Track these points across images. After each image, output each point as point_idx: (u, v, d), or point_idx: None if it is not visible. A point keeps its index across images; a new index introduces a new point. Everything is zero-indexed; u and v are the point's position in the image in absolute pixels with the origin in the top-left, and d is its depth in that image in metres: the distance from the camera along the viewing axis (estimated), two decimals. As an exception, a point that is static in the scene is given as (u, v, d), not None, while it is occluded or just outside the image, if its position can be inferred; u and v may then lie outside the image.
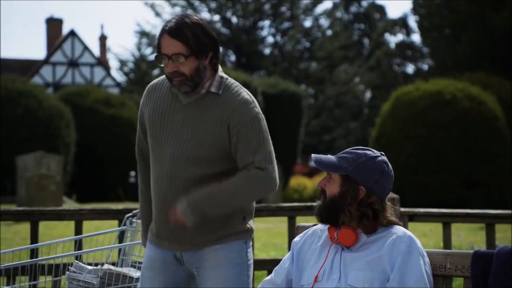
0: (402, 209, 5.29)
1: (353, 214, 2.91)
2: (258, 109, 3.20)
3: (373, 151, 2.97)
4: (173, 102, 3.23)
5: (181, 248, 3.26)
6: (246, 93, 3.22)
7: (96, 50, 36.73)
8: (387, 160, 2.98)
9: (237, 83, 3.26)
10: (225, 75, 3.25)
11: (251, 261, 3.31)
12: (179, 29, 3.11)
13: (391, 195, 4.83)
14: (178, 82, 3.13)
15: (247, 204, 3.26)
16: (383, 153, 3.00)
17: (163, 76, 3.32)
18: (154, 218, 3.31)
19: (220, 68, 3.25)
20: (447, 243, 5.31)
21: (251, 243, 3.33)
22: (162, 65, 3.17)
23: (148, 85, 3.38)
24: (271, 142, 3.22)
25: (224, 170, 3.19)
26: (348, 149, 2.99)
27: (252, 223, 3.33)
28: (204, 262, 3.24)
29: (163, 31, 3.13)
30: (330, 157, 2.98)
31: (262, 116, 3.21)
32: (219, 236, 3.22)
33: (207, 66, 3.18)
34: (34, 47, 77.58)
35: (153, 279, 3.32)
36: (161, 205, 3.23)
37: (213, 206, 3.11)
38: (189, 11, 36.00)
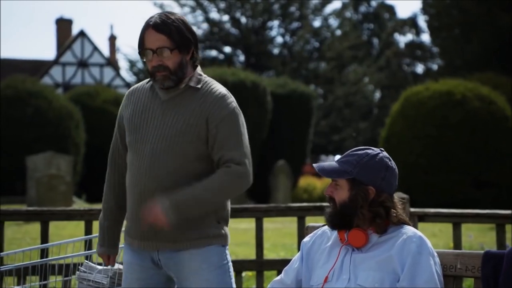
0: (412, 209, 5.28)
1: (366, 216, 2.90)
2: (235, 103, 3.24)
3: (373, 149, 2.98)
4: (153, 100, 3.26)
5: (154, 246, 3.23)
6: (223, 89, 3.26)
7: (105, 50, 36.83)
8: (388, 155, 2.99)
9: (214, 80, 3.30)
10: (203, 74, 3.30)
11: (231, 263, 3.30)
12: (163, 23, 3.16)
13: (401, 195, 4.82)
14: (161, 77, 3.17)
15: (226, 201, 3.26)
16: (382, 148, 3.01)
17: (144, 81, 3.37)
18: (128, 215, 3.30)
19: (199, 67, 3.29)
20: (457, 243, 5.29)
21: (227, 248, 3.32)
22: (145, 60, 3.20)
23: (128, 90, 3.42)
24: (247, 137, 3.24)
25: (202, 168, 3.19)
26: (347, 153, 2.99)
27: (227, 230, 3.31)
28: (183, 269, 3.22)
29: (147, 26, 3.18)
30: (332, 163, 2.97)
31: (240, 111, 3.25)
32: (194, 237, 3.20)
33: (189, 62, 3.23)
34: (44, 48, 77.83)
35: (133, 283, 3.33)
36: (138, 199, 3.21)
37: (197, 206, 3.12)
38: (198, 12, 36.07)
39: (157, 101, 3.25)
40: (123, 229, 3.47)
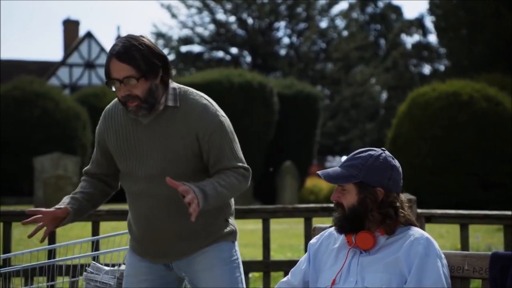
0: (419, 210, 5.26)
1: (376, 218, 2.90)
2: (220, 111, 3.19)
3: (375, 150, 2.97)
4: (134, 124, 3.19)
5: (169, 260, 3.28)
6: (203, 98, 3.20)
7: (112, 51, 36.84)
8: (390, 154, 2.98)
9: (191, 89, 3.23)
10: (176, 85, 3.20)
11: (240, 260, 3.34)
12: (126, 52, 3.04)
13: (409, 196, 4.82)
14: (134, 108, 3.08)
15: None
16: (383, 148, 3.00)
17: (115, 102, 3.27)
18: (136, 236, 3.30)
19: (170, 80, 3.19)
20: (464, 245, 5.28)
21: (237, 245, 3.35)
22: (114, 90, 3.10)
23: (104, 112, 3.32)
24: (237, 140, 3.24)
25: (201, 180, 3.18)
26: (350, 157, 2.97)
27: (235, 224, 3.36)
28: (194, 266, 3.25)
29: (111, 55, 3.06)
30: (336, 169, 2.95)
31: (225, 117, 3.21)
32: (207, 243, 3.25)
33: (159, 84, 3.13)
34: (51, 49, 77.98)
35: (140, 283, 3.32)
36: (144, 222, 3.22)
37: (218, 200, 3.12)
38: (205, 13, 36.12)
39: (140, 126, 3.18)
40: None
